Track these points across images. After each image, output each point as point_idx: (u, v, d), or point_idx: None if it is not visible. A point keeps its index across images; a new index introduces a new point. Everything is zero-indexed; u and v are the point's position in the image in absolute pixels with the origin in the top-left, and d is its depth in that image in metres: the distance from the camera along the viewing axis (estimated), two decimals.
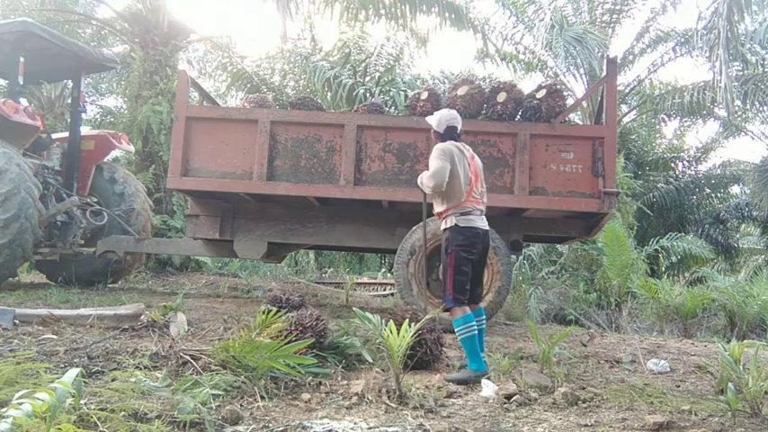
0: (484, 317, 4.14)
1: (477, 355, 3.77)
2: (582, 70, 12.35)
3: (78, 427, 2.19)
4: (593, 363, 4.49)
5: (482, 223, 3.96)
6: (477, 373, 3.71)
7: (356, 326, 4.42)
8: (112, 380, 2.96)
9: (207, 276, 9.56)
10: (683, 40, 12.34)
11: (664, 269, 14.00)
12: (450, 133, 4.06)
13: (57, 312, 4.60)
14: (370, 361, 3.89)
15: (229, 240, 6.32)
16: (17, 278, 7.28)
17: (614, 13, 12.37)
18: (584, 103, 12.03)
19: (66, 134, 7.70)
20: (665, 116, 15.22)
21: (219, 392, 2.93)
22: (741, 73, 11.73)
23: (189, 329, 4.58)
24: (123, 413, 2.48)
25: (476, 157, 4.16)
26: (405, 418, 2.93)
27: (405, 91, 11.20)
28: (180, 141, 5.86)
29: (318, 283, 10.66)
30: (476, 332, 3.81)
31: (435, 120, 4.14)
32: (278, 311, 3.86)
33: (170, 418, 2.56)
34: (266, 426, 2.68)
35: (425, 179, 3.95)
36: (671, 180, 16.19)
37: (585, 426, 2.96)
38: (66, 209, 6.99)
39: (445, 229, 3.97)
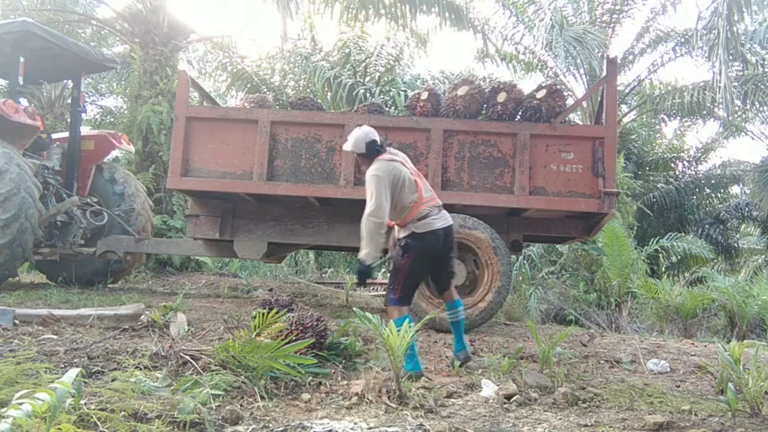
0: (461, 308, 4.14)
1: (412, 356, 3.69)
2: (582, 70, 12.34)
3: (78, 427, 2.19)
4: (593, 363, 4.49)
5: (441, 222, 3.84)
6: (412, 372, 3.66)
7: (356, 326, 4.43)
8: (112, 380, 2.96)
9: (207, 276, 9.56)
10: (683, 40, 12.33)
11: (664, 269, 14.01)
12: (372, 148, 3.88)
13: (57, 312, 4.60)
14: (370, 365, 3.89)
15: (229, 240, 6.32)
16: (17, 278, 7.28)
17: (614, 13, 12.35)
18: (584, 103, 12.02)
19: (66, 134, 7.70)
20: (665, 116, 15.21)
21: (219, 392, 2.93)
22: (741, 73, 11.72)
23: (189, 329, 4.58)
24: (123, 413, 2.48)
25: (407, 159, 4.02)
26: (405, 418, 2.93)
27: (405, 91, 11.19)
28: (180, 141, 5.86)
29: (318, 283, 10.65)
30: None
31: (351, 144, 3.94)
32: (277, 312, 3.86)
33: (170, 418, 2.56)
34: (266, 426, 2.68)
35: (364, 222, 3.71)
36: (671, 180, 16.19)
37: (585, 426, 2.96)
38: (66, 209, 6.99)
39: (403, 237, 3.86)
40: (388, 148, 3.99)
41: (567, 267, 11.35)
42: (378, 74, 12.89)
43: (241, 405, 2.92)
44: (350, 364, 3.93)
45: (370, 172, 3.79)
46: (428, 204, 3.84)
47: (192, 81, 6.25)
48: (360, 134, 3.95)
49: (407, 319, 3.67)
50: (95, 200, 7.64)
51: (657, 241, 12.02)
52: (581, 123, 11.76)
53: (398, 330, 3.63)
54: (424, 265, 3.87)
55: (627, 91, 13.78)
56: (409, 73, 13.74)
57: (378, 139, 3.93)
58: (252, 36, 41.46)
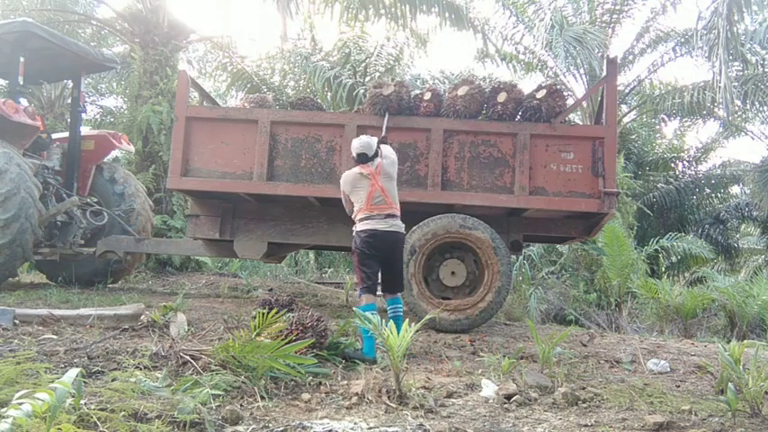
0: (400, 305, 4.53)
1: (370, 340, 4.07)
2: (582, 70, 12.33)
3: (78, 427, 2.19)
4: (593, 363, 4.49)
5: (381, 225, 4.38)
6: (367, 357, 4.05)
7: (356, 326, 4.42)
8: (112, 380, 2.96)
9: (207, 276, 9.56)
10: (683, 40, 12.32)
11: (664, 269, 14.00)
12: (359, 159, 4.58)
13: (57, 312, 4.60)
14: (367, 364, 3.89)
15: (229, 240, 6.32)
16: (17, 278, 7.28)
17: (614, 13, 12.35)
18: (584, 103, 12.02)
19: (66, 134, 7.70)
20: (665, 116, 15.19)
21: (219, 392, 2.93)
22: (741, 73, 11.71)
23: (189, 329, 4.58)
24: (123, 413, 2.48)
25: (382, 170, 4.51)
26: (405, 418, 2.93)
27: None
28: (180, 141, 5.86)
29: (318, 283, 10.65)
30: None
31: (353, 145, 4.66)
32: (277, 312, 3.86)
33: (170, 418, 2.56)
34: (266, 426, 2.68)
35: None
36: (671, 180, 16.18)
37: (585, 426, 2.96)
38: (66, 209, 7.00)
39: (354, 232, 4.50)
40: (368, 163, 4.55)
41: (567, 267, 11.35)
42: (378, 74, 12.88)
43: (241, 405, 2.92)
44: (350, 363, 3.94)
45: (342, 176, 4.70)
46: (375, 211, 4.41)
47: (192, 81, 6.25)
48: (357, 144, 4.62)
49: (373, 307, 4.15)
50: (95, 200, 7.64)
51: (657, 241, 12.01)
52: (581, 123, 11.76)
53: (364, 316, 3.93)
54: (371, 259, 4.37)
55: (627, 91, 13.77)
56: (409, 73, 13.74)
57: (369, 153, 4.58)
58: (252, 36, 41.51)
